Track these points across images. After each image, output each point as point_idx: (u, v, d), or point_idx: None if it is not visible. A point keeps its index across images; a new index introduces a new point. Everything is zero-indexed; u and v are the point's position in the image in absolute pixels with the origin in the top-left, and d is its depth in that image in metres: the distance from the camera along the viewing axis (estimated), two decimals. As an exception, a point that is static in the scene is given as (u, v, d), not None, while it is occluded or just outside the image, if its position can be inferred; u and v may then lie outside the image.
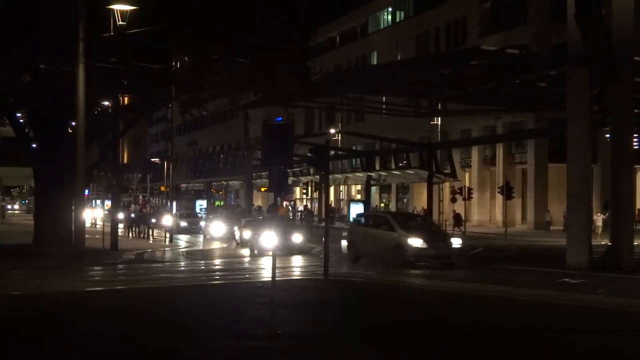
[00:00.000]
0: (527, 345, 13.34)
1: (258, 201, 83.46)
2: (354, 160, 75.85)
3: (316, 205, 73.70)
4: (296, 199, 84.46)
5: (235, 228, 41.60)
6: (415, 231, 28.20)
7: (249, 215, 52.22)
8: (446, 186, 64.19)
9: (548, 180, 58.69)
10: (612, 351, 12.86)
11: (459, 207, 57.06)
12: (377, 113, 56.43)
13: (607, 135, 34.14)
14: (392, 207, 74.68)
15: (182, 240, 47.09)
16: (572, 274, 24.72)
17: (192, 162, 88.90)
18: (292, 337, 13.64)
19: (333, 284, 21.79)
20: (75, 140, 29.58)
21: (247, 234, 37.88)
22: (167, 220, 46.89)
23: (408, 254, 27.08)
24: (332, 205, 75.05)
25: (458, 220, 56.08)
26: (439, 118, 64.08)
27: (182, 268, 30.43)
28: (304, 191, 76.33)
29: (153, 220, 48.94)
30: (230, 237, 42.75)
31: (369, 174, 66.61)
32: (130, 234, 48.68)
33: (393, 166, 66.04)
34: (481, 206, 64.71)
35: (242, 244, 38.38)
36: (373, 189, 73.87)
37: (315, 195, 72.48)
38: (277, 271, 25.68)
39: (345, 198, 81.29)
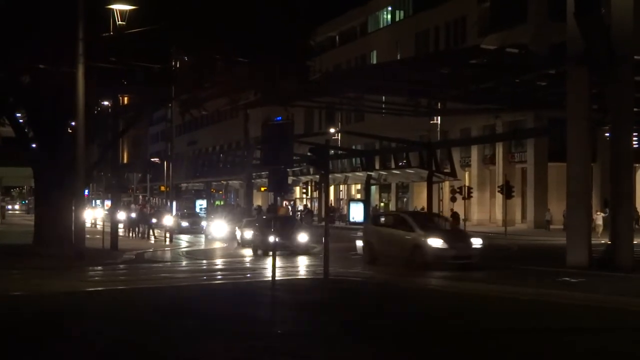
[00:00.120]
0: (526, 345, 13.34)
1: (258, 201, 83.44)
2: (353, 159, 75.82)
3: (316, 204, 73.69)
4: (296, 198, 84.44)
5: (237, 228, 41.43)
6: (435, 231, 27.45)
7: (249, 215, 52.17)
8: (446, 185, 64.20)
9: (548, 179, 58.68)
10: (613, 350, 12.87)
11: (459, 207, 57.05)
12: (376, 112, 56.42)
13: (607, 134, 34.12)
14: (392, 206, 74.64)
15: (184, 240, 47.07)
16: (572, 273, 24.73)
17: (192, 162, 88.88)
18: (292, 337, 13.65)
19: (333, 283, 21.78)
20: (75, 140, 29.59)
21: (248, 233, 37.82)
22: (168, 220, 46.89)
23: (428, 255, 26.25)
24: (332, 204, 75.07)
25: (456, 219, 56.04)
26: (439, 117, 64.06)
27: (183, 268, 30.44)
28: (304, 191, 76.33)
29: (154, 220, 48.96)
30: (231, 237, 42.64)
31: (368, 173, 66.58)
32: (132, 234, 48.66)
33: (393, 165, 66.04)
34: (481, 205, 64.71)
35: (244, 244, 38.26)
36: (373, 188, 73.85)
37: (315, 194, 72.48)
38: (279, 271, 25.86)
39: (345, 197, 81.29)
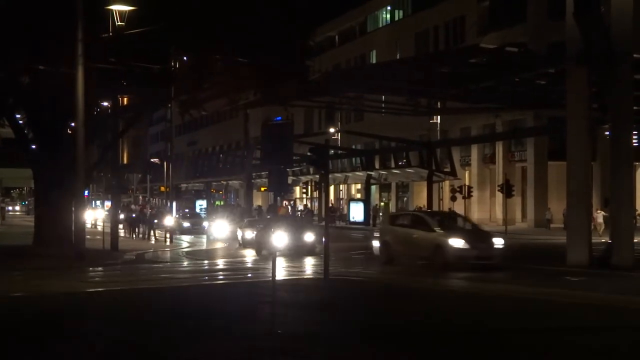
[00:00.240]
0: (525, 345, 13.34)
1: (258, 201, 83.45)
2: (353, 159, 75.87)
3: (316, 204, 73.69)
4: (296, 198, 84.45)
5: (238, 228, 41.28)
6: (455, 231, 26.93)
7: (250, 215, 52.13)
8: (446, 184, 64.22)
9: (548, 178, 58.68)
10: (614, 350, 12.87)
11: (459, 206, 57.06)
12: (376, 112, 56.42)
13: (607, 133, 34.11)
14: (392, 206, 74.64)
15: (185, 240, 47.04)
16: (572, 271, 24.73)
17: (192, 162, 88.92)
18: (292, 337, 13.65)
19: (333, 283, 21.79)
20: (75, 141, 29.58)
21: (249, 234, 37.76)
22: (169, 220, 46.88)
23: (449, 255, 25.52)
24: (332, 204, 75.07)
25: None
26: (439, 116, 64.07)
27: (183, 268, 30.43)
28: (304, 190, 76.32)
29: (155, 221, 48.98)
30: (233, 237, 42.53)
31: (368, 173, 66.63)
32: (133, 235, 48.61)
33: (393, 165, 66.09)
34: (481, 204, 64.69)
35: (245, 244, 38.17)
36: (373, 188, 73.87)
37: (315, 194, 72.48)
38: (285, 271, 25.90)
39: (345, 197, 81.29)
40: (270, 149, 17.30)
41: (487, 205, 64.64)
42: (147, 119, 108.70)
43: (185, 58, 35.74)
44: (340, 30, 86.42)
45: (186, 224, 54.81)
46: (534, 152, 59.05)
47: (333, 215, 64.67)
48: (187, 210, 66.80)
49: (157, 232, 47.45)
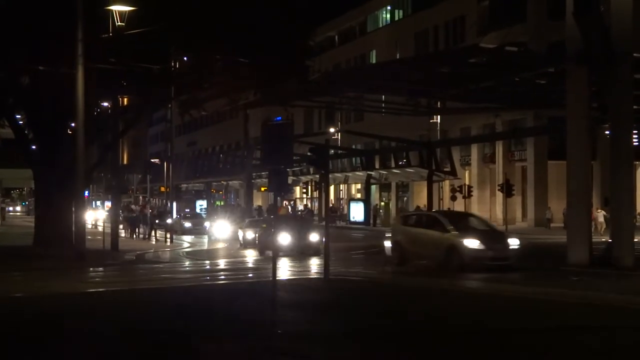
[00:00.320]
0: (525, 344, 13.34)
1: (258, 201, 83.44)
2: (353, 159, 75.85)
3: (316, 204, 73.69)
4: (296, 198, 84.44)
5: (239, 229, 41.21)
6: (470, 231, 26.33)
7: (250, 215, 52.14)
8: (446, 184, 64.21)
9: (548, 178, 58.68)
10: (614, 350, 12.87)
11: (459, 205, 57.05)
12: (376, 112, 56.38)
13: (607, 132, 34.10)
14: (392, 206, 74.65)
15: (186, 241, 47.05)
16: (572, 271, 24.73)
17: (192, 162, 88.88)
18: (292, 337, 13.65)
19: (333, 283, 21.79)
20: (75, 142, 29.60)
21: (250, 234, 37.75)
22: (170, 220, 46.92)
23: (464, 256, 25.00)
24: (333, 204, 75.07)
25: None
26: (439, 116, 64.04)
27: (184, 269, 30.44)
28: (304, 191, 76.32)
29: (157, 221, 49.03)
30: (234, 237, 42.48)
31: (369, 172, 66.63)
32: (134, 235, 48.61)
33: (393, 165, 66.08)
34: (481, 204, 64.66)
35: (246, 244, 38.15)
36: (373, 187, 73.88)
37: (315, 194, 72.50)
38: (289, 272, 25.92)
39: (346, 197, 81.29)
40: (270, 149, 17.31)
41: (487, 204, 64.62)
42: (147, 119, 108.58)
43: (185, 58, 35.79)
44: (340, 30, 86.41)
45: (187, 224, 54.86)
46: (534, 151, 59.04)
47: (334, 215, 64.70)
48: (188, 211, 66.82)
49: (158, 232, 47.48)
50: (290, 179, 57.54)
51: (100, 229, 47.29)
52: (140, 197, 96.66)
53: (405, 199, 75.76)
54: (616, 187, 27.18)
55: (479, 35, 57.30)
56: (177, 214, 60.76)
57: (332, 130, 76.08)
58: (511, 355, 12.58)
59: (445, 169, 60.06)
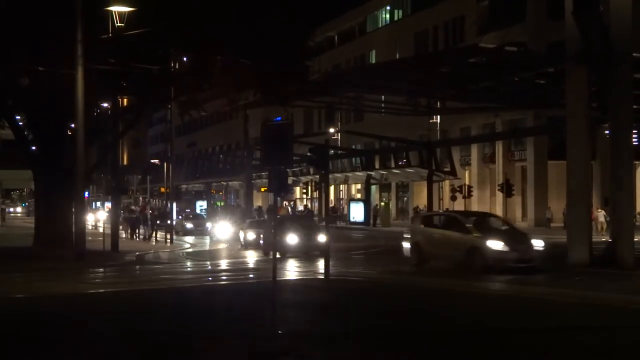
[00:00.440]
0: (525, 344, 13.34)
1: (258, 201, 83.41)
2: (353, 159, 75.83)
3: (316, 204, 73.70)
4: (296, 198, 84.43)
5: (240, 229, 41.07)
6: (492, 232, 25.84)
7: (250, 215, 52.09)
8: (446, 184, 64.22)
9: (548, 178, 58.68)
10: (614, 350, 12.87)
11: (459, 205, 57.04)
12: (376, 112, 56.40)
13: (607, 132, 34.09)
14: (393, 206, 74.68)
15: (187, 241, 47.01)
16: (573, 270, 24.71)
17: (191, 163, 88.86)
18: (292, 337, 13.65)
19: (334, 283, 21.79)
20: (75, 142, 29.59)
21: (251, 235, 37.69)
22: (173, 221, 46.87)
23: (487, 258, 24.36)
24: (333, 204, 75.06)
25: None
26: (438, 116, 64.05)
27: (185, 270, 30.43)
28: (304, 191, 76.30)
29: (158, 222, 48.98)
30: (235, 238, 42.35)
31: (368, 173, 66.61)
32: (134, 236, 48.54)
33: (393, 165, 66.08)
34: (481, 204, 64.61)
35: (247, 245, 38.07)
36: (373, 187, 73.87)
37: (315, 194, 72.49)
38: (295, 272, 25.92)
39: (345, 197, 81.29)
40: (270, 150, 17.27)
41: (487, 204, 64.58)
42: (147, 120, 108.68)
43: (184, 58, 35.75)
44: (340, 31, 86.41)
45: (189, 225, 54.83)
46: (533, 151, 59.05)
47: (334, 216, 64.67)
48: (188, 211, 66.76)
49: (158, 233, 47.42)
50: (290, 179, 57.59)
51: (100, 229, 47.27)
52: (140, 198, 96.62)
53: (405, 199, 75.77)
54: (616, 187, 27.17)
55: (479, 35, 57.25)
56: (178, 215, 60.70)
57: (332, 130, 76.08)
58: (511, 355, 12.59)
59: (445, 169, 60.07)
